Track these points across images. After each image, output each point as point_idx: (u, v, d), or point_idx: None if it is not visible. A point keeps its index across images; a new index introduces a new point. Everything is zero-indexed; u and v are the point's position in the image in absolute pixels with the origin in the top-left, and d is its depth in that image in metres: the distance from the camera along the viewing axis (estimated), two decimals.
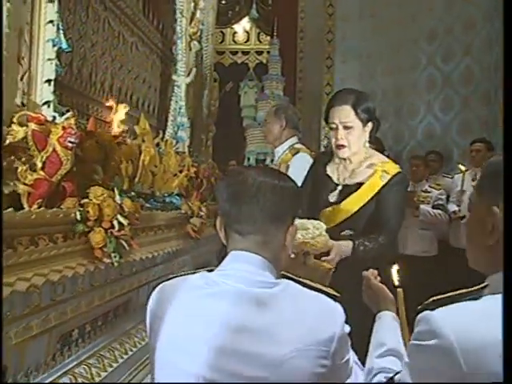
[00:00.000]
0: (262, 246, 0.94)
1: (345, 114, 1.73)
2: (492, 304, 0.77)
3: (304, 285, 0.95)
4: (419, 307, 0.86)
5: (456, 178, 4.14)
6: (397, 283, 1.12)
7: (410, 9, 5.12)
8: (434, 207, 3.99)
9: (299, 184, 2.47)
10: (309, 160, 2.53)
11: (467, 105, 4.77)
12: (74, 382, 1.27)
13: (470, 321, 0.76)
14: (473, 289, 0.85)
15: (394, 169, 1.75)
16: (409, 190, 4.13)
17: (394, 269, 1.17)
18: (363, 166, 1.78)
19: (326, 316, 0.89)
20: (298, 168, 2.41)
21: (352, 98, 1.74)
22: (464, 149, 4.48)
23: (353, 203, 1.74)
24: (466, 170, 4.03)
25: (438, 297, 0.85)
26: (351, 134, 1.73)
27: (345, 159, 1.80)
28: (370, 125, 1.76)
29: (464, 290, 0.85)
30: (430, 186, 4.11)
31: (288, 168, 2.55)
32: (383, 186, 1.70)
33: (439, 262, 4.09)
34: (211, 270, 0.97)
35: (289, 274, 0.97)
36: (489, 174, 0.89)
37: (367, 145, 1.79)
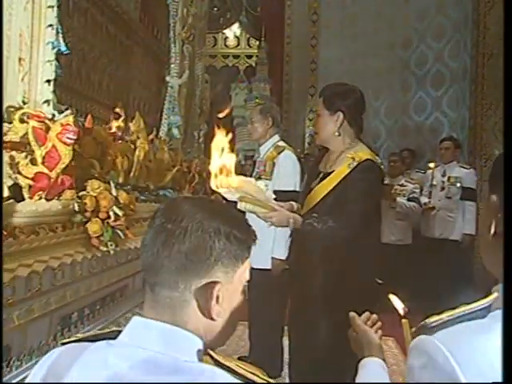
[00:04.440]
0: (175, 307, 0.63)
1: (317, 103, 1.79)
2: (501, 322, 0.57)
3: (235, 373, 0.64)
4: (413, 330, 0.67)
5: (428, 173, 4.20)
6: (401, 312, 0.88)
7: (387, 18, 5.15)
8: (409, 200, 4.05)
9: (294, 185, 2.39)
10: (295, 159, 2.56)
11: (438, 106, 4.83)
12: None
13: (476, 347, 0.56)
14: (477, 304, 0.64)
15: (364, 156, 1.68)
16: (386, 183, 4.20)
17: (394, 297, 0.94)
18: (343, 155, 1.73)
19: None
20: (286, 167, 2.48)
21: (326, 89, 1.78)
22: (435, 146, 4.54)
23: (323, 188, 1.72)
24: (436, 166, 4.10)
25: (436, 318, 0.64)
26: (319, 121, 1.77)
27: (327, 149, 1.80)
28: (339, 115, 1.71)
29: (467, 307, 0.64)
30: (405, 181, 4.17)
31: (274, 165, 2.56)
32: (349, 173, 1.66)
33: (412, 250, 4.16)
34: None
35: (215, 356, 0.67)
36: (493, 165, 0.72)
37: (337, 134, 1.73)
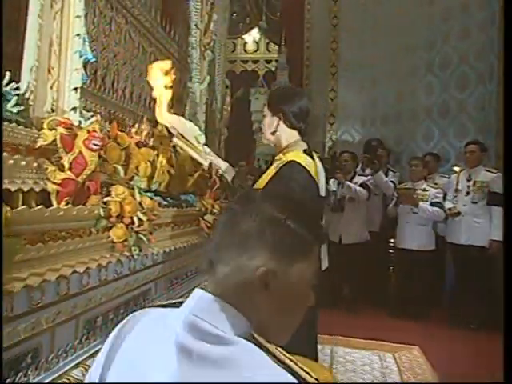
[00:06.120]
0: (228, 284, 0.66)
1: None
2: None
3: (274, 357, 0.61)
4: None
5: (452, 178, 4.11)
6: None
7: (409, 19, 5.07)
8: (431, 204, 3.97)
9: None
10: (319, 164, 2.56)
11: (463, 109, 4.73)
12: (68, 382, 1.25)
13: None
14: None
15: (290, 157, 1.69)
16: (408, 187, 4.12)
17: None
18: (279, 156, 1.76)
19: None
20: None
21: (271, 92, 1.88)
22: (460, 150, 4.44)
23: (258, 185, 1.78)
24: (461, 171, 4.01)
25: None
26: (263, 122, 1.82)
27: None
28: (279, 116, 1.74)
29: None
30: (428, 185, 4.09)
31: None
32: (275, 173, 1.68)
33: (436, 256, 4.07)
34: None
35: (260, 338, 0.64)
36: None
37: (278, 134, 1.75)
